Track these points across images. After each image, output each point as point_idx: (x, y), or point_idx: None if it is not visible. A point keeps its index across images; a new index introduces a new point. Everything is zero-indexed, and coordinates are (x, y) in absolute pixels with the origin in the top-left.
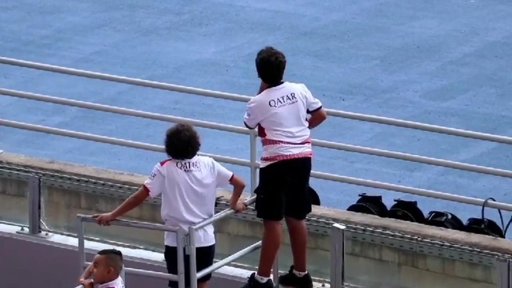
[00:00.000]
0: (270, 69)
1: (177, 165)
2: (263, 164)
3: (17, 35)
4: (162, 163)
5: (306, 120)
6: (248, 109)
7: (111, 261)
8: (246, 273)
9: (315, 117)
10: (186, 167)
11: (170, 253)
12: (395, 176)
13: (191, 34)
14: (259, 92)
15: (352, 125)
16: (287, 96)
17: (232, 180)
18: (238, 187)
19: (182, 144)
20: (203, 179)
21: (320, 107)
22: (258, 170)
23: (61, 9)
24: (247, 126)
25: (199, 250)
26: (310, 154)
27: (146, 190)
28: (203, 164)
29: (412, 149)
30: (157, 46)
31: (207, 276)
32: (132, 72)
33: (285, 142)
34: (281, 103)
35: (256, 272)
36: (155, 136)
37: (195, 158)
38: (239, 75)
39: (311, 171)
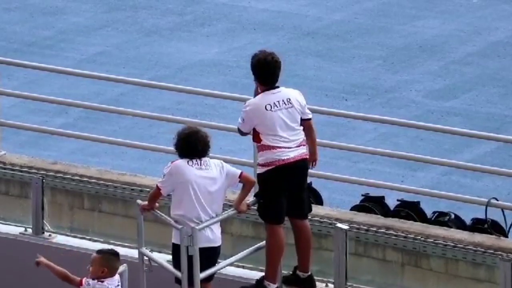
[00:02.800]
0: (267, 68)
1: (188, 163)
2: (260, 170)
3: (19, 36)
4: (173, 162)
5: (300, 125)
6: (242, 113)
7: (105, 261)
8: (249, 274)
9: (305, 129)
10: (198, 165)
11: (176, 250)
12: (398, 176)
13: (193, 35)
14: (254, 97)
15: (355, 125)
16: (283, 100)
17: (241, 178)
18: (248, 184)
19: (199, 143)
20: (214, 179)
21: (310, 118)
22: None
23: (63, 10)
24: (240, 132)
25: (207, 250)
26: (306, 155)
27: (158, 189)
28: (213, 164)
29: (415, 149)
30: (159, 47)
31: (210, 277)
32: (135, 72)
33: (282, 147)
34: (277, 107)
35: (263, 276)
36: (158, 136)
37: (205, 159)
38: (242, 76)
39: (314, 171)
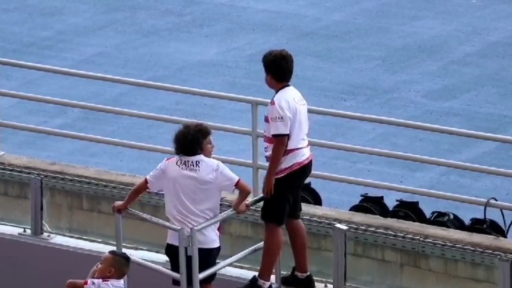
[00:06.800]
0: (285, 63)
1: (177, 163)
2: (281, 174)
3: (18, 37)
4: (167, 159)
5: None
6: (276, 113)
7: (115, 263)
8: (247, 274)
9: None
10: (185, 166)
11: (170, 251)
12: (397, 176)
13: (192, 35)
14: None
15: (354, 126)
16: (298, 97)
17: (237, 185)
18: (243, 192)
19: (181, 141)
20: (202, 180)
21: None
22: (260, 171)
23: (62, 11)
24: (281, 136)
25: (198, 251)
26: (312, 155)
27: (145, 182)
28: (206, 165)
29: (414, 149)
30: (158, 47)
31: (211, 278)
32: (133, 73)
33: (302, 148)
34: (298, 103)
35: (257, 275)
36: (156, 137)
37: (197, 158)
38: (241, 76)
39: (313, 171)
